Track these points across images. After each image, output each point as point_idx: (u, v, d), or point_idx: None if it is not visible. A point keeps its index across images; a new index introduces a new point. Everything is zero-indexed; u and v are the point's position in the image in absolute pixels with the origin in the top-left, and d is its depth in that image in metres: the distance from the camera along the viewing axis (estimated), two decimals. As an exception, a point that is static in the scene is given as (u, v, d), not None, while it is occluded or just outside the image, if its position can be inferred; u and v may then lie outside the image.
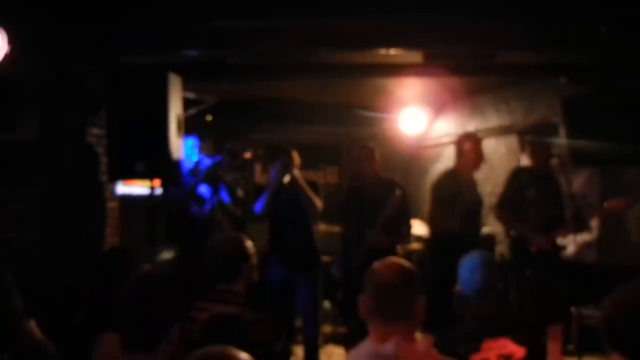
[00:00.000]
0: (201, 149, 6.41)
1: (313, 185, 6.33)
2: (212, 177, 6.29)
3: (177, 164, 5.34)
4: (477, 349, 3.19)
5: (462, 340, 3.18)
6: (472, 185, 6.59)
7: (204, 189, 6.27)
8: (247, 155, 6.93)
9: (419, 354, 2.47)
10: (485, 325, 3.32)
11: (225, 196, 6.37)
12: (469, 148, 6.48)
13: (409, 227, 6.79)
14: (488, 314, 3.41)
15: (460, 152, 6.53)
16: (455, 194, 6.34)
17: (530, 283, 6.00)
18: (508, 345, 3.19)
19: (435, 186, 6.62)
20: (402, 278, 2.60)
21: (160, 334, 2.39)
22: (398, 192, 6.33)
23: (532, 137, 6.85)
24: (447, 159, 7.53)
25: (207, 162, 6.30)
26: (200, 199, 6.25)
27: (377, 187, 6.50)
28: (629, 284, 2.37)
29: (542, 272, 5.95)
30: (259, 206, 6.18)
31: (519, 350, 3.19)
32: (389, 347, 2.45)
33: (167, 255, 3.09)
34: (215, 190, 6.31)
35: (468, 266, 3.53)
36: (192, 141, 6.36)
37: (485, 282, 3.46)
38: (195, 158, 6.34)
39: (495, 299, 3.48)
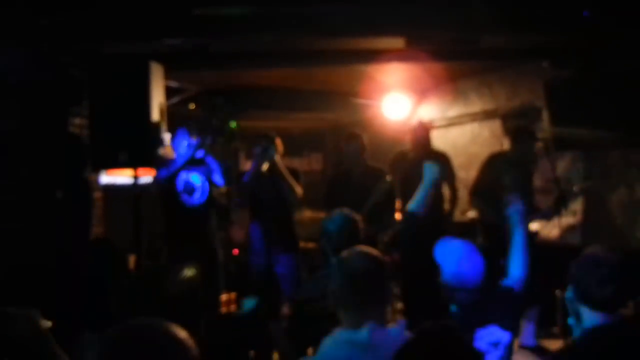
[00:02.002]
0: (190, 137, 6.33)
1: (294, 173, 6.33)
2: (201, 159, 6.21)
3: (160, 157, 5.31)
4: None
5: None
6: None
7: (195, 177, 6.20)
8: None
9: (392, 339, 2.48)
10: (474, 316, 3.34)
11: (219, 178, 6.29)
12: (418, 133, 6.79)
13: (392, 216, 6.80)
14: (474, 303, 3.42)
15: (411, 137, 6.87)
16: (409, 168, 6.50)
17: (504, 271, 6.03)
18: (496, 333, 3.23)
19: (391, 162, 6.95)
20: (372, 265, 2.63)
21: None
22: (385, 181, 6.35)
23: (518, 127, 6.88)
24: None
25: (193, 143, 6.21)
26: (192, 188, 6.22)
27: (364, 176, 6.50)
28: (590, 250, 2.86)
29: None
30: (245, 177, 6.17)
31: (505, 336, 3.23)
32: (362, 333, 2.47)
33: (188, 272, 3.05)
34: (207, 176, 6.23)
35: (452, 257, 3.51)
36: (183, 132, 6.29)
37: (471, 271, 3.47)
38: (184, 148, 6.27)
39: (481, 287, 3.49)
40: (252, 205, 6.37)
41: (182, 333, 1.90)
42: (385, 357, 2.40)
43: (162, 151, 5.45)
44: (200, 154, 6.15)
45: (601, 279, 2.72)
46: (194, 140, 6.16)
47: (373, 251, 2.73)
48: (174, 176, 6.07)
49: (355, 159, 6.60)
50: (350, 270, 2.62)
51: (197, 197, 6.19)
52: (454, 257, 3.49)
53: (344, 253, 2.73)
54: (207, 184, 6.20)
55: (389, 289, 2.65)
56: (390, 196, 6.51)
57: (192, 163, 6.13)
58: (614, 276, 2.72)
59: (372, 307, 2.57)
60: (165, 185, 6.08)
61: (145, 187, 5.93)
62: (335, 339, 2.55)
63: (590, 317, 2.79)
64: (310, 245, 7.66)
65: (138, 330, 1.92)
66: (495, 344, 3.18)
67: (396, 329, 2.54)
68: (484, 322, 3.27)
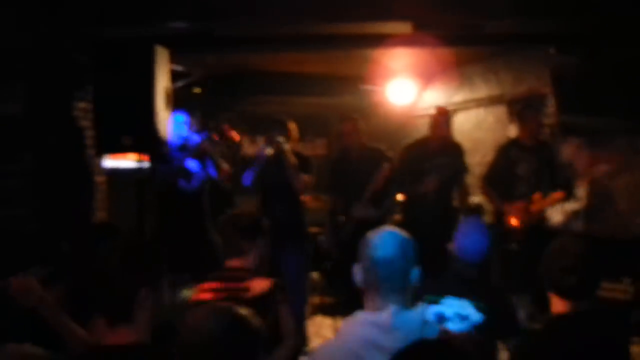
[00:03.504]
0: (190, 125, 6.38)
1: (306, 161, 6.31)
2: (200, 152, 6.28)
3: (165, 141, 5.29)
4: (436, 302, 3.35)
5: (428, 291, 3.25)
6: (442, 153, 6.62)
7: (192, 164, 6.25)
8: (236, 137, 6.92)
9: (413, 322, 2.48)
10: (453, 285, 3.44)
11: (212, 171, 6.35)
12: (441, 120, 6.64)
13: (393, 198, 6.81)
14: (463, 275, 3.52)
15: (431, 125, 6.71)
16: (420, 161, 6.48)
17: (513, 256, 6.04)
18: (467, 308, 3.27)
19: (403, 152, 6.80)
20: (397, 250, 2.59)
21: (127, 300, 2.39)
22: (386, 165, 6.33)
23: (520, 106, 6.83)
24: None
25: (196, 138, 6.28)
26: (188, 174, 6.24)
27: (364, 158, 6.50)
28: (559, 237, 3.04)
29: (525, 245, 5.97)
30: (247, 179, 6.17)
31: (475, 315, 3.28)
32: (384, 315, 2.47)
33: (188, 293, 3.02)
34: (203, 165, 6.29)
35: (464, 228, 3.63)
36: (181, 117, 6.33)
37: (473, 247, 3.57)
38: (184, 134, 6.31)
39: (479, 265, 3.60)
40: (260, 190, 6.36)
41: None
42: (406, 340, 2.40)
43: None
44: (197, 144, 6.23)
45: (565, 267, 2.83)
46: (194, 133, 6.23)
47: (400, 232, 2.68)
48: (180, 168, 6.13)
49: (352, 142, 6.59)
50: (375, 255, 2.59)
51: (194, 183, 6.23)
52: (465, 229, 3.61)
53: (370, 234, 2.69)
54: (203, 171, 6.24)
55: (414, 272, 2.62)
56: (390, 180, 6.51)
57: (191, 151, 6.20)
58: (578, 266, 2.82)
59: (395, 292, 2.55)
60: (165, 176, 6.14)
61: (149, 171, 5.93)
62: (356, 320, 2.55)
63: (557, 304, 2.90)
64: (315, 229, 7.67)
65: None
66: (462, 317, 3.22)
67: (417, 311, 2.53)
68: (461, 294, 3.36)
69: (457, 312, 3.28)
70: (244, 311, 2.27)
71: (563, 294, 2.86)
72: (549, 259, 2.92)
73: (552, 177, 6.23)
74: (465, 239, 3.69)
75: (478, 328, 3.30)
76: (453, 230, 3.80)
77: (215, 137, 6.63)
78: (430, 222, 6.14)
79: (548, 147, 6.36)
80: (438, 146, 6.60)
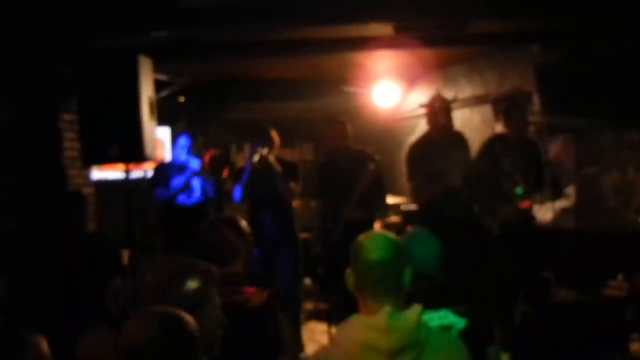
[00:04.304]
0: (191, 149, 6.47)
1: (293, 168, 6.31)
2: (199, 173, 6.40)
3: (151, 152, 5.28)
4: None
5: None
6: (453, 144, 6.44)
7: (195, 182, 6.37)
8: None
9: (408, 323, 2.48)
10: (427, 298, 3.41)
11: (210, 190, 6.44)
12: (436, 109, 6.39)
13: (383, 200, 6.79)
14: (431, 286, 3.51)
15: (431, 114, 6.42)
16: (432, 158, 6.19)
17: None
18: (449, 317, 3.26)
19: (410, 153, 6.47)
20: (389, 253, 2.58)
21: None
22: (371, 165, 6.32)
23: (505, 105, 6.81)
24: (421, 131, 7.49)
25: (195, 162, 6.39)
26: (189, 190, 6.33)
27: (349, 159, 6.50)
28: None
29: (511, 242, 5.92)
30: (237, 195, 6.18)
31: (459, 322, 3.27)
32: (379, 317, 2.47)
33: (192, 285, 3.00)
34: (204, 184, 6.40)
35: (415, 241, 3.63)
36: (183, 140, 6.45)
37: (429, 256, 3.57)
38: (184, 157, 6.44)
39: (441, 272, 3.60)
40: (250, 199, 6.36)
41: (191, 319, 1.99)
42: (402, 341, 2.40)
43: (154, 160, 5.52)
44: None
45: (575, 262, 2.88)
46: (194, 157, 6.35)
47: (390, 235, 2.68)
48: (182, 189, 6.24)
49: (338, 145, 6.58)
50: (370, 257, 2.58)
51: (194, 198, 6.32)
52: (416, 241, 3.60)
53: (361, 238, 2.68)
54: (202, 187, 6.33)
55: (407, 274, 2.61)
56: (378, 181, 6.48)
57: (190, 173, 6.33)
58: (587, 261, 2.90)
59: (390, 294, 2.55)
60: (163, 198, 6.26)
61: (137, 181, 5.96)
62: (352, 323, 2.54)
63: (564, 295, 2.94)
64: (304, 235, 7.66)
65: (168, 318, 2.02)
66: (446, 328, 3.21)
67: (412, 312, 2.52)
68: (438, 305, 3.33)
69: (439, 323, 3.27)
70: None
71: (572, 286, 2.96)
72: (561, 253, 3.05)
73: (539, 175, 6.22)
74: (419, 249, 3.69)
75: (464, 334, 3.29)
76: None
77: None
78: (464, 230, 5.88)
79: (534, 145, 6.34)
80: (445, 138, 6.38)
